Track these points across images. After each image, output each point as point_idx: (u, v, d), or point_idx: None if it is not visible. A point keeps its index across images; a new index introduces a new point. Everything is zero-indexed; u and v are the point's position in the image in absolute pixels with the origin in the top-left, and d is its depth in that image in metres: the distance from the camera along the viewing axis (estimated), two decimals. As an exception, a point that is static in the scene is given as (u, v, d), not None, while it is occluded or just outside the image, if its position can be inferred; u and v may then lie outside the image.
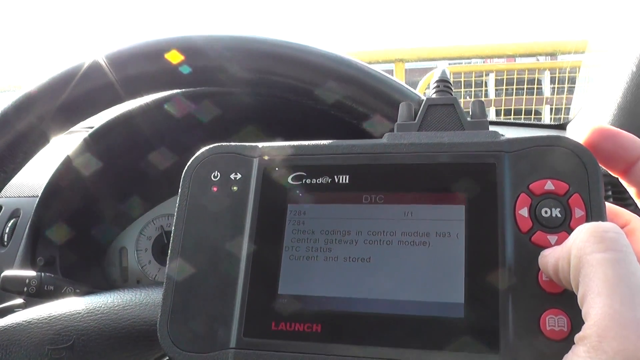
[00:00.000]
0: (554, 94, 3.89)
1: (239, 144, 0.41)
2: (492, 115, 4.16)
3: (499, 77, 4.01)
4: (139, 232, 0.99)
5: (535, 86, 3.88)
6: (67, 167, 0.81)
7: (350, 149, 0.39)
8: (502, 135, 0.38)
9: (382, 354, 0.34)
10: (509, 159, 0.36)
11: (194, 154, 0.42)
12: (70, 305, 0.53)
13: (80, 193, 0.85)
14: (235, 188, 0.40)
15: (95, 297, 0.53)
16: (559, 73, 3.74)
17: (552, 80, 3.92)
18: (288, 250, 0.37)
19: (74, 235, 0.89)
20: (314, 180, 0.39)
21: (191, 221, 0.40)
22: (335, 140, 0.40)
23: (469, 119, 0.40)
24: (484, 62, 4.32)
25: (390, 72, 3.53)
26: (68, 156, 0.80)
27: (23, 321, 0.52)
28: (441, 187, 0.36)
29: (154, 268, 0.99)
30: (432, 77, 0.44)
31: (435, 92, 0.43)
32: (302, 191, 0.39)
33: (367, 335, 0.34)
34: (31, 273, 0.68)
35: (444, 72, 0.44)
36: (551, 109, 4.06)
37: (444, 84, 0.43)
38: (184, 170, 0.42)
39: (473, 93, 3.98)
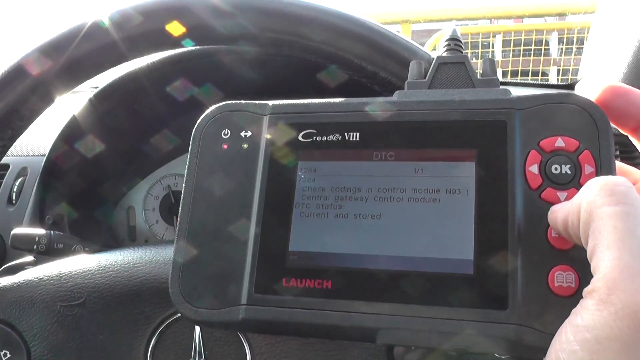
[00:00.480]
0: (561, 55, 3.85)
1: (249, 101, 0.41)
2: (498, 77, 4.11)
3: (506, 39, 3.96)
4: (147, 191, 0.99)
5: (543, 47, 3.84)
6: (72, 127, 0.81)
7: (361, 106, 0.39)
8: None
9: (392, 310, 0.34)
10: (520, 116, 0.36)
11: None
12: (80, 263, 0.53)
13: (84, 165, 0.85)
14: (245, 145, 0.40)
15: (105, 255, 0.54)
16: (567, 34, 3.70)
17: (560, 41, 3.88)
18: (298, 207, 0.38)
19: (82, 194, 0.90)
20: (324, 138, 0.39)
21: (202, 178, 0.40)
22: (345, 98, 0.40)
23: (479, 77, 0.40)
24: (490, 23, 4.27)
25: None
26: (74, 115, 0.80)
27: (35, 278, 0.53)
28: (451, 144, 0.36)
29: (161, 227, 0.99)
30: (443, 36, 0.44)
31: (446, 51, 0.42)
32: (312, 148, 0.39)
33: (377, 291, 0.35)
34: (40, 231, 0.68)
35: (454, 31, 0.43)
36: (558, 70, 4.03)
37: (454, 42, 0.43)
38: (194, 128, 0.41)
39: (480, 54, 3.93)
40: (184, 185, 0.40)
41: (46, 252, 0.68)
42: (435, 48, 3.61)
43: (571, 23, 3.72)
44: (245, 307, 0.36)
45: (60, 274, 0.52)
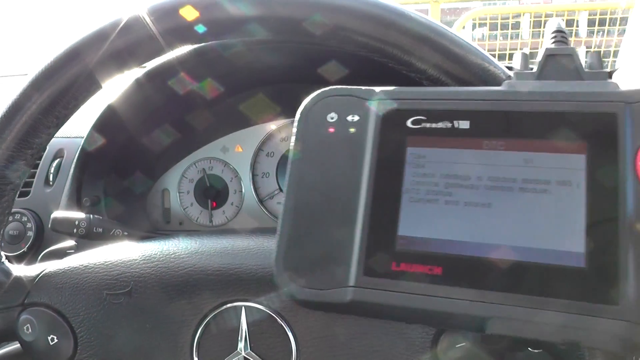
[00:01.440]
0: (591, 37, 3.80)
1: (355, 87, 0.41)
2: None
3: (537, 19, 3.91)
4: (181, 174, 1.00)
5: (574, 28, 3.78)
6: (110, 110, 0.82)
7: (470, 94, 0.39)
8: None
9: (502, 300, 0.34)
10: (630, 110, 0.35)
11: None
12: (125, 252, 0.54)
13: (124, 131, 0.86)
14: (352, 130, 0.40)
15: (149, 244, 0.54)
16: (600, 15, 3.64)
17: (592, 23, 3.82)
18: (408, 193, 0.38)
19: (118, 177, 0.91)
20: (433, 125, 0.38)
21: (307, 161, 0.40)
22: (454, 87, 0.40)
23: (587, 69, 0.39)
24: (519, 3, 4.21)
25: (426, 12, 3.47)
26: (112, 99, 0.81)
27: (80, 265, 0.53)
28: (562, 135, 0.36)
29: (196, 210, 1.00)
30: (548, 28, 0.43)
31: (553, 42, 0.42)
32: (421, 135, 0.39)
33: (487, 279, 0.35)
34: (80, 215, 0.69)
35: (559, 24, 0.43)
36: (587, 52, 3.97)
37: (561, 34, 0.42)
38: (299, 111, 0.42)
39: (509, 35, 3.90)
40: (288, 166, 0.41)
41: (86, 235, 0.69)
42: (464, 27, 3.59)
43: (601, 4, 3.66)
44: (354, 289, 0.37)
45: (106, 262, 0.53)
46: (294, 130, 0.41)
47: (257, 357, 0.48)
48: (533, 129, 0.37)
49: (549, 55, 0.40)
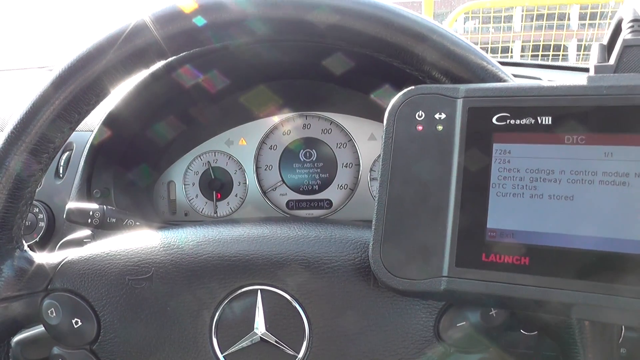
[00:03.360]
0: (583, 30, 3.82)
1: (441, 85, 0.44)
2: (517, 50, 4.11)
3: (529, 13, 3.92)
4: (186, 167, 1.03)
5: (566, 22, 3.80)
6: (123, 103, 0.84)
7: (553, 90, 0.40)
8: None
9: (586, 288, 0.37)
10: None
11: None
12: (145, 240, 0.56)
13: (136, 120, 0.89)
14: (440, 127, 0.43)
15: (168, 232, 0.57)
16: (591, 9, 3.66)
17: (583, 17, 3.83)
18: (495, 187, 0.40)
19: (127, 169, 0.93)
20: (517, 121, 0.41)
21: (398, 157, 0.43)
22: (537, 83, 0.41)
23: None
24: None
25: (419, 4, 3.49)
26: (123, 93, 0.83)
27: (102, 252, 0.56)
28: None
29: (201, 202, 1.03)
30: (625, 17, 0.44)
31: (630, 32, 0.42)
32: (506, 131, 0.41)
33: (572, 269, 0.37)
34: (94, 206, 0.71)
35: (636, 12, 0.43)
36: (579, 46, 3.99)
37: (638, 24, 0.43)
38: (388, 109, 0.44)
39: (502, 28, 3.90)
40: (381, 163, 0.43)
41: (100, 225, 0.71)
42: (457, 21, 3.60)
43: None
44: (447, 278, 0.40)
45: (127, 249, 0.55)
46: (384, 128, 0.44)
47: (273, 337, 0.51)
48: (613, 122, 0.38)
49: (627, 47, 0.41)
